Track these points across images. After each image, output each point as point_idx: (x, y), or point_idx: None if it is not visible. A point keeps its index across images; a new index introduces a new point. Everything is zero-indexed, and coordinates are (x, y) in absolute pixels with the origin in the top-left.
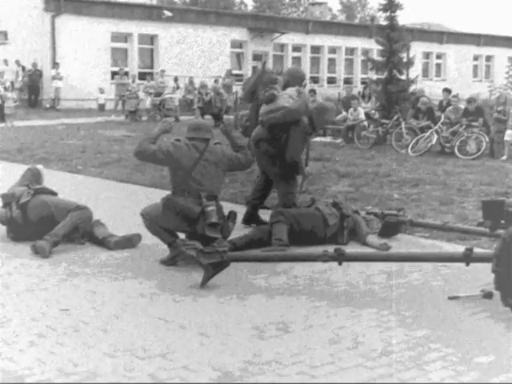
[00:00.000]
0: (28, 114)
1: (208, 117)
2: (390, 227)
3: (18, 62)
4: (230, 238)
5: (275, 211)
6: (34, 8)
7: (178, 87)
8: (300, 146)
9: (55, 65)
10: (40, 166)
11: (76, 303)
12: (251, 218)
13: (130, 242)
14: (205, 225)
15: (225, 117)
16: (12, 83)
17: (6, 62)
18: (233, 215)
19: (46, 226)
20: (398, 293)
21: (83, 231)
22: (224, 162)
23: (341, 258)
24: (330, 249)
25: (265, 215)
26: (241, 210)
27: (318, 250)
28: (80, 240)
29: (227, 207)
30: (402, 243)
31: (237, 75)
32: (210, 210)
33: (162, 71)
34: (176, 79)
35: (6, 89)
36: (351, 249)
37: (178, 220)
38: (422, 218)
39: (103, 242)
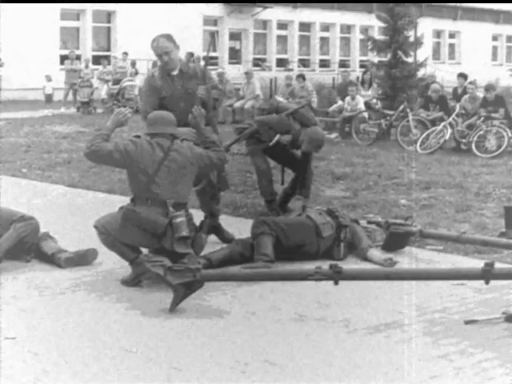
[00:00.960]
0: None
1: None
2: (396, 239)
3: None
4: (204, 252)
5: (258, 221)
6: None
7: (136, 72)
8: None
9: None
10: None
11: (23, 331)
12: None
13: (85, 258)
14: (173, 239)
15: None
16: None
17: None
18: (205, 225)
19: None
20: (406, 317)
21: (29, 246)
22: (193, 162)
23: (337, 276)
24: (325, 265)
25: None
26: None
27: (309, 266)
28: (25, 256)
29: (198, 216)
30: (410, 258)
31: (211, 58)
32: (179, 222)
33: (125, 54)
34: (134, 63)
35: None
36: (349, 265)
37: (141, 234)
38: (433, 227)
39: (53, 259)
